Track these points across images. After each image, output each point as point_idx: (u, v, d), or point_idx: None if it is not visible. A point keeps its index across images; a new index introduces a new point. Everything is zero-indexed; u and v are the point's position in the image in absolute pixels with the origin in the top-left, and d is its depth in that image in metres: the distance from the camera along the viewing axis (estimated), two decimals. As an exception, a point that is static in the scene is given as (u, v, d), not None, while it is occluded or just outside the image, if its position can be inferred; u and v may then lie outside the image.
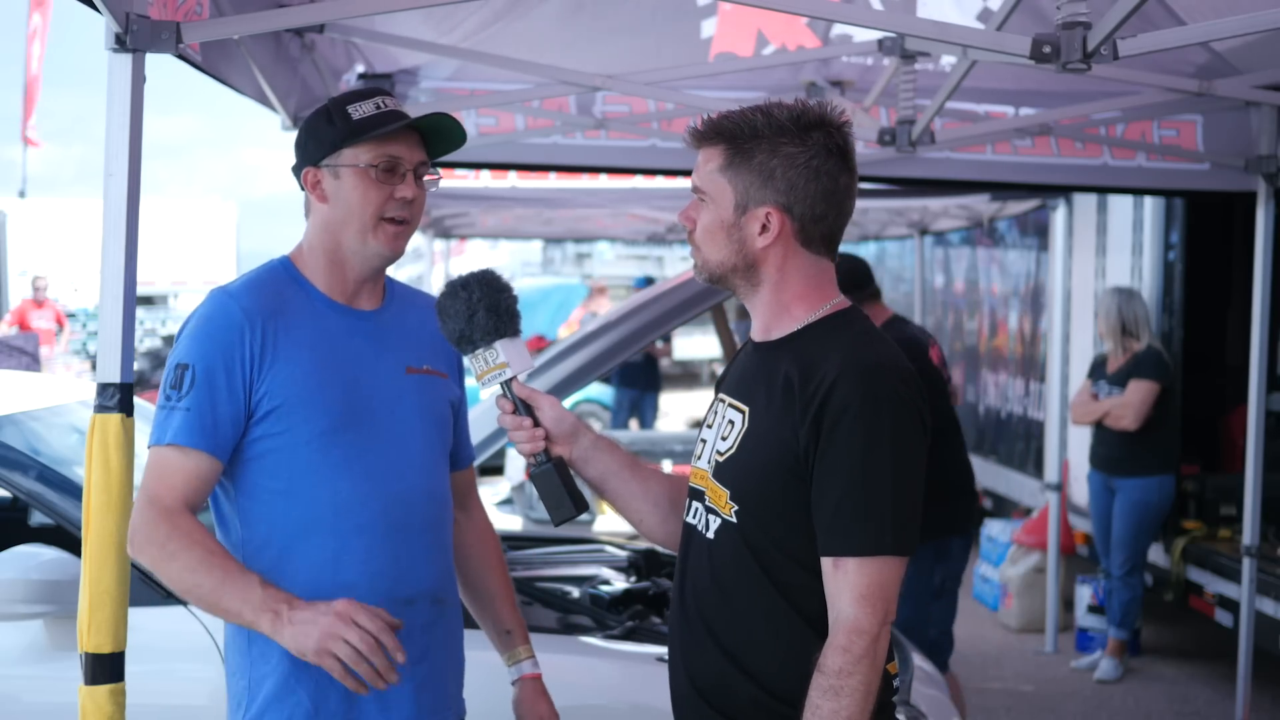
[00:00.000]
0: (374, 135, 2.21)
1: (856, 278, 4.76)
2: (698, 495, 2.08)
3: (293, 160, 2.33)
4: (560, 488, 2.13)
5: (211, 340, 2.15)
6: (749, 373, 2.07)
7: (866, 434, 1.88)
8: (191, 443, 2.11)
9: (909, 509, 1.91)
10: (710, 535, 2.02)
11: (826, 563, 1.89)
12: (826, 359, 1.93)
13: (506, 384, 2.17)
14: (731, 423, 2.04)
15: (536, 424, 2.16)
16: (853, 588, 1.86)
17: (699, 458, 2.10)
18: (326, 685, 2.17)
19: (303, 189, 2.30)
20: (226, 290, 2.22)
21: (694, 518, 2.08)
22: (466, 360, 2.21)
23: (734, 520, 1.98)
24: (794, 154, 1.98)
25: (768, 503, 1.95)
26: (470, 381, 2.27)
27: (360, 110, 2.22)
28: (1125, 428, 6.13)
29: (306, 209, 2.31)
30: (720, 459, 2.03)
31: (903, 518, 1.89)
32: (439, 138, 2.31)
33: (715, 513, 2.02)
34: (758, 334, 2.08)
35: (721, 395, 2.12)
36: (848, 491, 1.88)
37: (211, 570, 2.04)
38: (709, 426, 2.11)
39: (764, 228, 1.99)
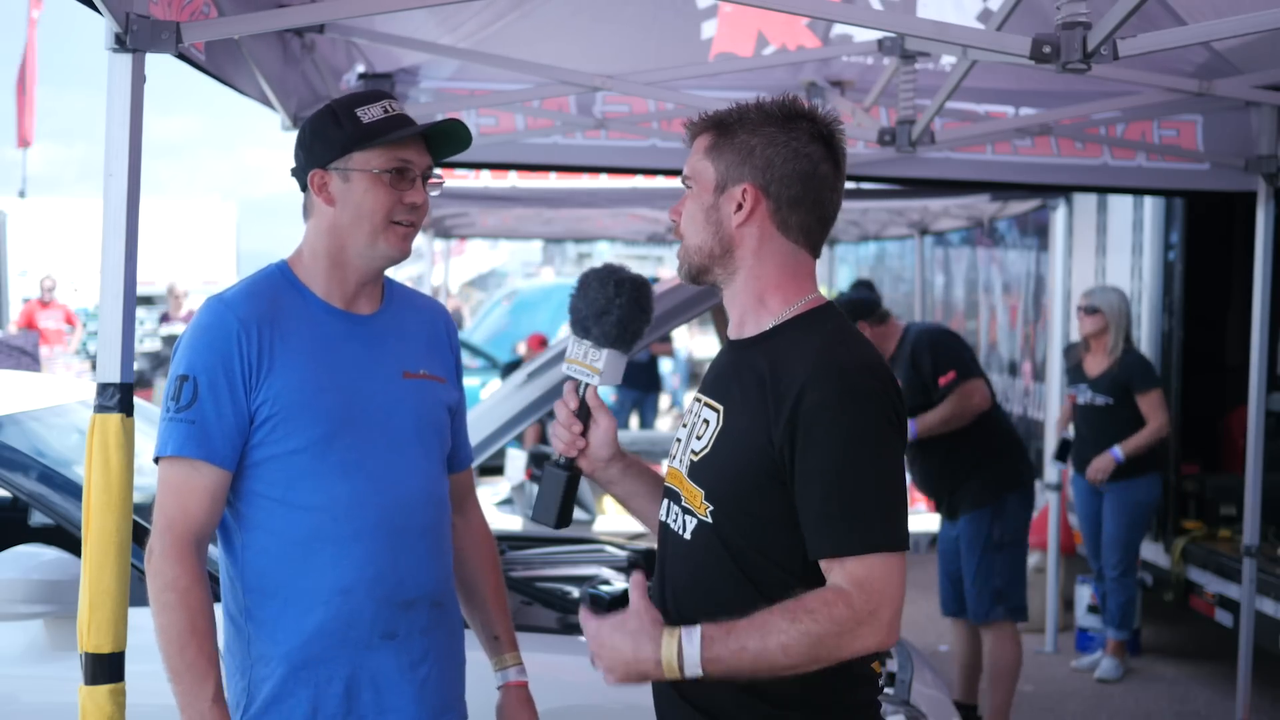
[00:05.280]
0: (386, 140, 2.21)
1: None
2: (673, 496, 2.06)
3: (293, 161, 2.33)
4: (560, 498, 2.12)
5: (210, 350, 2.15)
6: (724, 372, 2.07)
7: (845, 432, 1.86)
8: (200, 455, 2.13)
9: (895, 503, 1.89)
10: (687, 536, 2.01)
11: (823, 565, 1.88)
12: (799, 357, 1.92)
13: (586, 386, 2.14)
14: (706, 422, 2.03)
15: (584, 432, 2.14)
16: (850, 576, 1.85)
17: (673, 457, 2.10)
18: (325, 688, 2.19)
19: (304, 190, 2.29)
20: (221, 299, 2.22)
21: (670, 518, 2.07)
22: (571, 340, 2.15)
23: (709, 520, 1.97)
24: (774, 134, 1.98)
25: (743, 502, 1.94)
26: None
27: (369, 114, 2.22)
28: (1164, 437, 6.18)
29: (306, 211, 2.29)
30: (695, 458, 2.02)
31: (890, 512, 1.88)
32: (444, 141, 2.31)
33: (691, 513, 2.00)
34: (733, 331, 2.07)
35: (698, 395, 2.11)
36: (832, 492, 1.86)
37: (184, 650, 2.08)
38: (684, 426, 2.10)
39: (739, 206, 1.99)
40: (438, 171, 2.33)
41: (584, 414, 2.14)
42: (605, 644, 1.89)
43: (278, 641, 2.19)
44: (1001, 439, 5.22)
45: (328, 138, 2.23)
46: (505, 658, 2.48)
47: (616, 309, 2.08)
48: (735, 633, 1.83)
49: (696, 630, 1.85)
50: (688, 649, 1.84)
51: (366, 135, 2.20)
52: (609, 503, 6.80)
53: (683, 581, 2.02)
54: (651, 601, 1.93)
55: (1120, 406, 6.09)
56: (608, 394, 13.15)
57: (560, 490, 2.13)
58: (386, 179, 2.21)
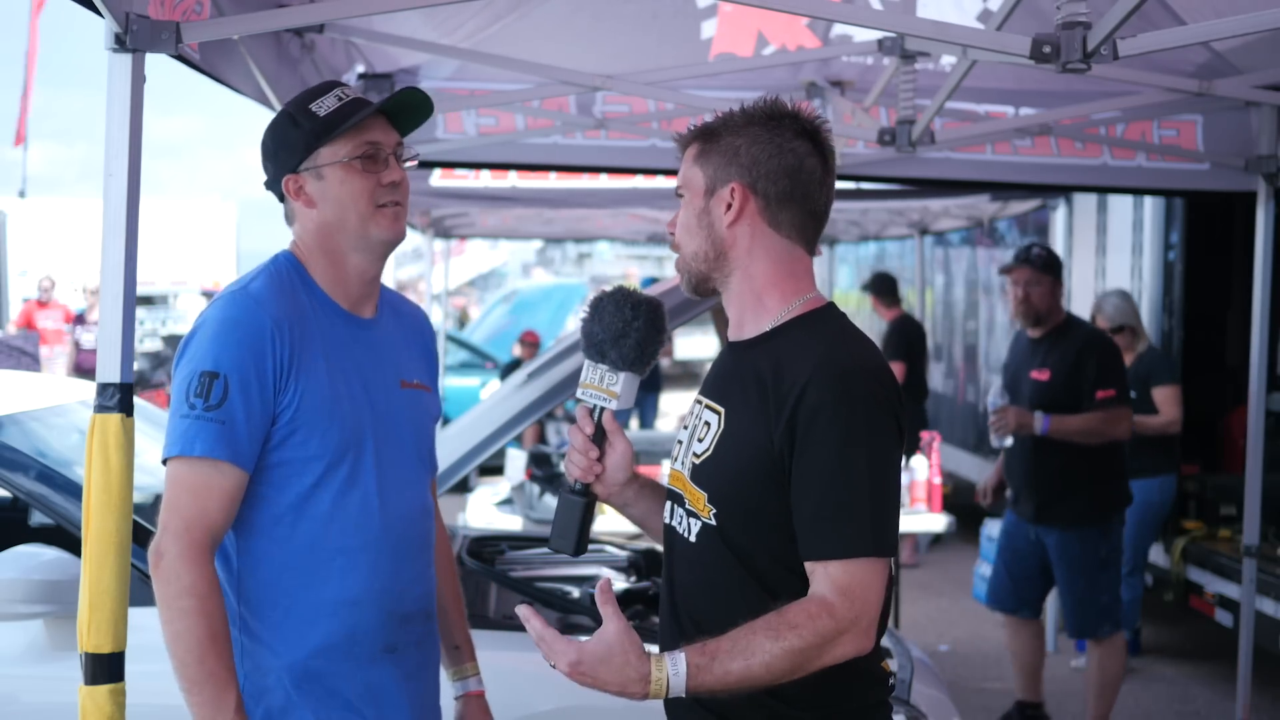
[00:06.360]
0: (347, 127, 2.15)
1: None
2: (676, 498, 2.06)
3: (264, 174, 2.26)
4: (577, 524, 2.10)
5: (241, 347, 2.07)
6: (725, 373, 2.06)
7: (842, 435, 1.86)
8: (227, 456, 2.05)
9: (886, 510, 1.89)
10: (692, 539, 2.00)
11: (808, 566, 1.88)
12: (800, 359, 1.91)
13: (602, 410, 2.11)
14: (708, 424, 2.02)
15: (601, 458, 2.11)
16: (834, 582, 1.85)
17: (675, 460, 2.09)
18: (329, 702, 2.14)
19: (281, 200, 2.24)
20: (248, 293, 2.13)
21: (675, 520, 2.06)
22: (585, 364, 2.11)
23: (713, 523, 1.96)
24: (758, 133, 1.99)
25: (745, 504, 1.94)
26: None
27: (324, 105, 2.17)
28: (1174, 434, 6.15)
29: (290, 219, 2.24)
30: (697, 461, 2.01)
31: (881, 519, 1.87)
32: (407, 114, 2.25)
33: (695, 516, 2.00)
34: (732, 332, 2.07)
35: (699, 397, 2.10)
36: (825, 494, 1.86)
37: (204, 659, 1.99)
38: (685, 428, 2.10)
39: (729, 206, 1.99)
40: (416, 149, 2.29)
41: (600, 438, 2.11)
42: (588, 676, 1.84)
43: (279, 654, 2.13)
44: (1118, 461, 5.13)
45: (289, 141, 2.18)
46: (466, 667, 2.45)
47: (634, 332, 2.05)
48: (719, 658, 1.82)
49: (681, 660, 1.82)
50: (673, 681, 1.82)
51: (326, 127, 2.15)
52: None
53: (690, 584, 2.02)
54: (656, 605, 1.91)
55: (1143, 402, 6.10)
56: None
57: (578, 517, 2.09)
58: (359, 165, 2.16)
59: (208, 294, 20.61)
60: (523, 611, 1.88)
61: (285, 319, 2.11)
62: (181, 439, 2.05)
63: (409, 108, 2.25)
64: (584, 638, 1.86)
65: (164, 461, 2.09)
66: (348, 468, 2.14)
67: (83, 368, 13.18)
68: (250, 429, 2.07)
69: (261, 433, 2.09)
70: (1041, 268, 5.06)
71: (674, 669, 1.82)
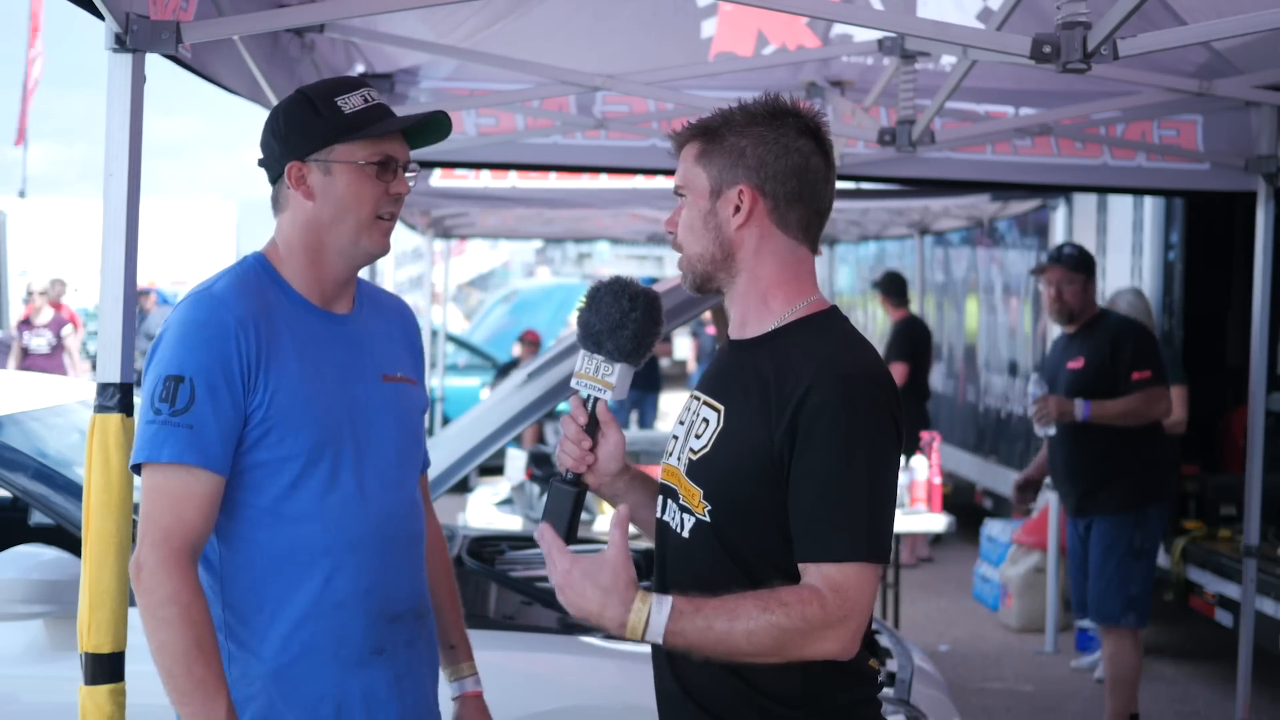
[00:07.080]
0: (371, 133, 2.12)
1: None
2: (670, 493, 2.06)
3: (261, 152, 2.21)
4: (568, 513, 2.09)
5: (207, 349, 2.02)
6: (726, 371, 2.06)
7: (843, 438, 1.86)
8: (198, 461, 2.00)
9: (882, 515, 1.90)
10: (685, 534, 2.00)
11: (802, 567, 1.88)
12: (803, 361, 1.91)
13: (596, 400, 2.10)
14: (706, 421, 2.02)
15: (593, 448, 2.11)
16: (828, 580, 1.85)
17: (670, 454, 2.09)
18: (317, 709, 2.11)
19: (273, 183, 2.18)
20: (212, 294, 2.08)
21: (667, 515, 2.06)
22: (580, 355, 2.10)
23: (708, 520, 1.97)
24: (763, 133, 1.98)
25: (741, 503, 1.94)
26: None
27: (350, 103, 2.13)
28: (1179, 433, 6.15)
29: (278, 204, 2.19)
30: (694, 457, 2.01)
31: (877, 524, 1.88)
32: (423, 130, 2.23)
33: (689, 512, 2.00)
34: (734, 330, 2.06)
35: (696, 393, 2.09)
36: (823, 497, 1.86)
37: (192, 667, 1.96)
38: (681, 423, 2.09)
39: (737, 208, 1.98)
40: (414, 163, 2.25)
41: (593, 429, 2.10)
42: (574, 587, 1.88)
43: (263, 659, 2.09)
44: (1159, 449, 5.15)
45: (306, 128, 2.13)
46: (462, 667, 2.41)
47: (631, 323, 2.04)
48: (705, 611, 1.83)
49: (668, 602, 1.84)
50: (655, 619, 1.83)
51: (349, 127, 2.11)
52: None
53: (682, 579, 2.01)
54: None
55: None
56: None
57: (569, 507, 2.09)
58: (372, 172, 2.13)
59: (144, 292, 20.29)
60: (540, 529, 1.98)
61: (250, 317, 2.06)
62: (148, 445, 2.01)
63: (427, 126, 2.23)
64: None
65: (134, 469, 2.05)
66: (327, 466, 2.10)
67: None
68: (222, 431, 2.02)
69: (234, 435, 2.04)
70: (1073, 267, 5.12)
71: (659, 609, 1.83)
